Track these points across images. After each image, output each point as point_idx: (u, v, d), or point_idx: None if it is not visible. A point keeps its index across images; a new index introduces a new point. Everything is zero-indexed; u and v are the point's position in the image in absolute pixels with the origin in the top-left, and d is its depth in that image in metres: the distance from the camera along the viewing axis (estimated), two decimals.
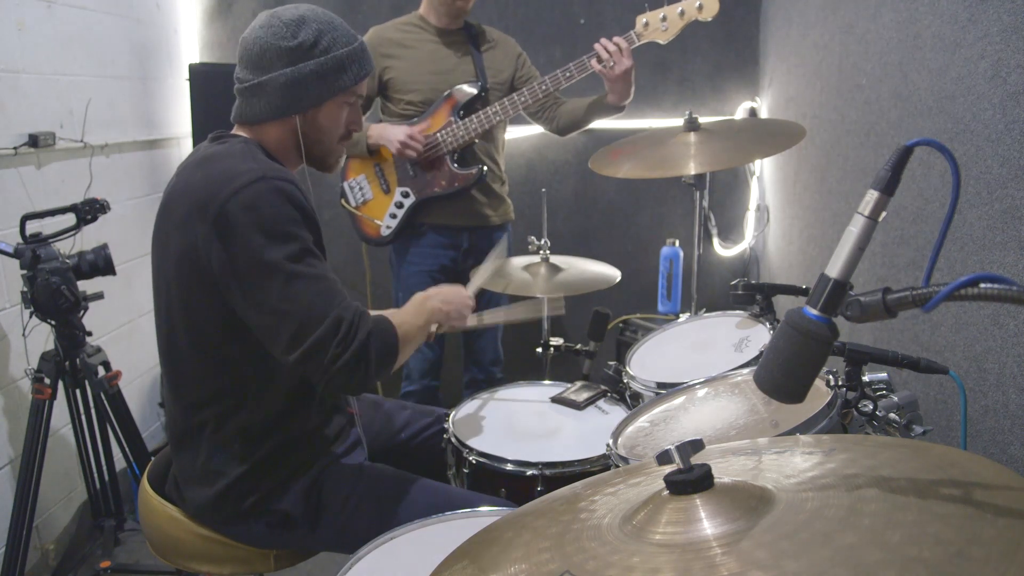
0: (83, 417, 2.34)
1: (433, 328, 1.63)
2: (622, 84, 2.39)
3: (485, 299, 2.03)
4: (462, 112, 2.50)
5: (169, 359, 1.47)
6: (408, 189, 2.55)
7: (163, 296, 1.44)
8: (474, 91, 2.50)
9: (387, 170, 2.57)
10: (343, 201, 2.63)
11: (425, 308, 1.57)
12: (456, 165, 2.52)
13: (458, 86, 2.51)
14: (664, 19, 2.33)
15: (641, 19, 2.36)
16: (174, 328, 1.43)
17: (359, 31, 1.55)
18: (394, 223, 2.58)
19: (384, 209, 2.59)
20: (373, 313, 1.42)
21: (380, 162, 2.56)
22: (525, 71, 2.64)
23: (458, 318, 1.65)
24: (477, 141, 2.53)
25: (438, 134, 2.50)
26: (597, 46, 2.34)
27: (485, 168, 2.54)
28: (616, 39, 2.34)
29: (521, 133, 3.32)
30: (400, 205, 2.56)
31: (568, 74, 2.40)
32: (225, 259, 1.31)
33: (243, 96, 1.46)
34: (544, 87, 2.44)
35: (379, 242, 2.64)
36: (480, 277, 1.87)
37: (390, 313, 1.47)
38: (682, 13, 2.32)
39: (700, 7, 2.29)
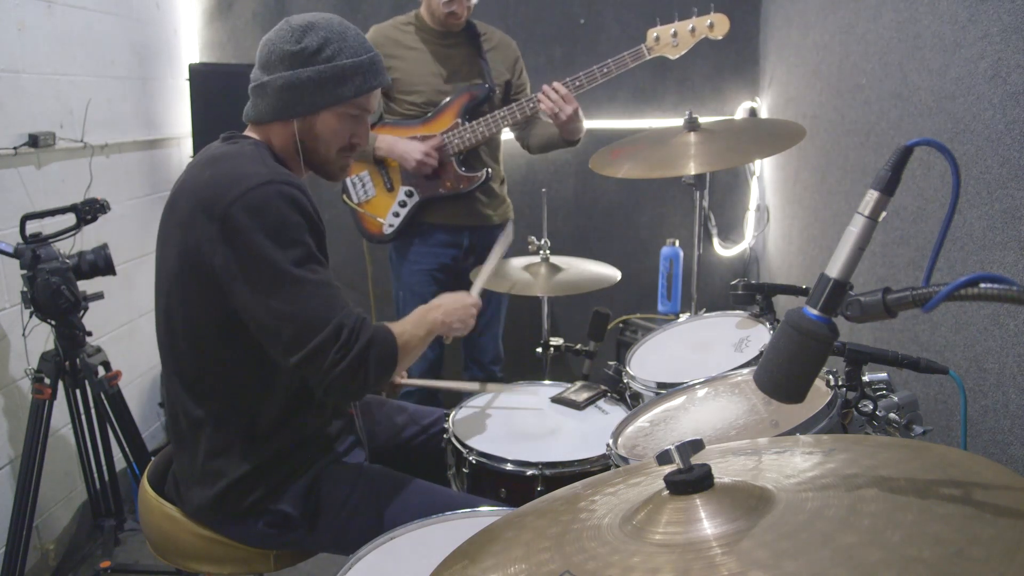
0: (83, 417, 2.34)
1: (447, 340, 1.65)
2: (571, 124, 2.44)
3: (485, 299, 2.03)
4: (468, 115, 2.50)
5: (169, 359, 1.47)
6: (412, 188, 2.54)
7: (164, 294, 1.44)
8: (482, 94, 2.50)
9: (391, 168, 2.57)
10: (344, 197, 2.62)
11: (427, 320, 1.57)
12: (462, 168, 2.52)
13: (466, 88, 2.50)
14: (675, 35, 2.35)
15: (652, 33, 2.37)
16: (174, 327, 1.43)
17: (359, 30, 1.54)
18: (397, 221, 2.58)
19: (387, 207, 2.58)
20: (375, 324, 1.43)
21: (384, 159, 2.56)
22: (520, 80, 2.64)
23: (461, 329, 1.65)
24: (483, 144, 2.53)
25: (444, 136, 2.49)
26: (540, 95, 2.39)
27: (490, 171, 2.54)
28: (556, 85, 2.36)
29: None
30: (404, 204, 2.56)
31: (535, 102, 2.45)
32: (229, 260, 1.31)
33: (251, 95, 1.48)
34: (528, 108, 2.47)
35: (380, 240, 2.63)
36: (482, 277, 1.86)
37: (392, 324, 1.48)
38: (693, 30, 2.34)
39: (711, 25, 2.33)
